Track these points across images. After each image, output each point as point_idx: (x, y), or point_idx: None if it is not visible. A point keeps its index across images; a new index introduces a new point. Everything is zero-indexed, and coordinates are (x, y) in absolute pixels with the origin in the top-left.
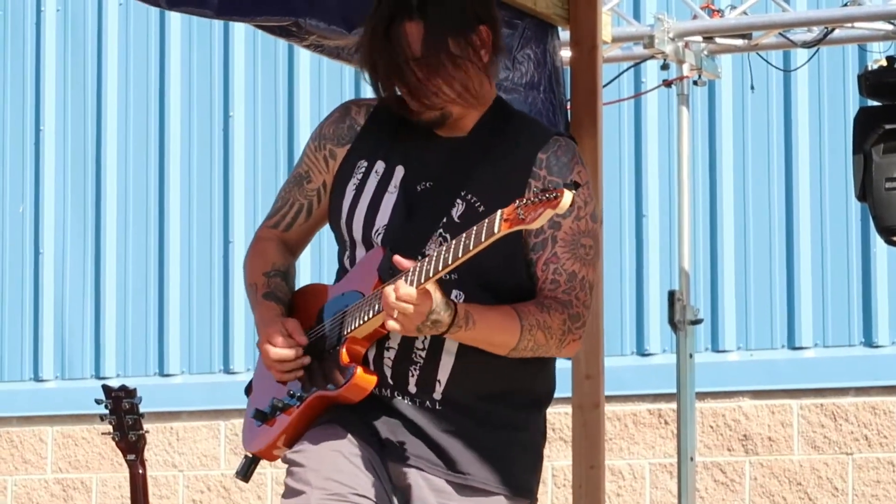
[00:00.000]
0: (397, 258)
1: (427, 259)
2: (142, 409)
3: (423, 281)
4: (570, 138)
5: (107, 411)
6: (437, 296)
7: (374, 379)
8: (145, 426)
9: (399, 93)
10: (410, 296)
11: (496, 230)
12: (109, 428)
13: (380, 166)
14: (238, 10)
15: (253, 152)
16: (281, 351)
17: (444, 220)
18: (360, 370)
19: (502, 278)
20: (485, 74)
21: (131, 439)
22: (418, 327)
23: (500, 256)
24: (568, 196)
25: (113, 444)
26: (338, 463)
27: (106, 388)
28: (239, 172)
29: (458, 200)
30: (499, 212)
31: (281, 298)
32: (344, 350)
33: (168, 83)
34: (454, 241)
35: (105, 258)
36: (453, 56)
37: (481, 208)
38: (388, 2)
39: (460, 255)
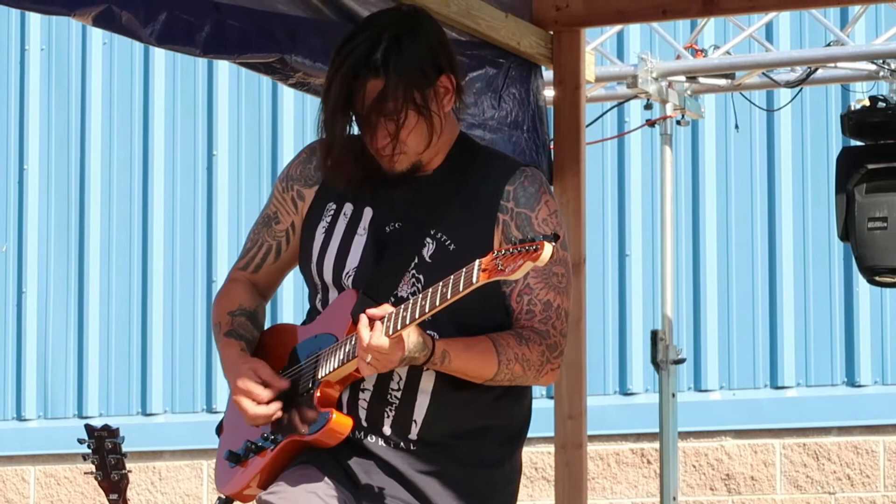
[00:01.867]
0: (371, 312)
1: (403, 306)
2: (125, 449)
3: (398, 328)
4: (538, 168)
5: (89, 451)
6: (414, 338)
7: (349, 423)
8: (128, 465)
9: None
10: (382, 346)
11: (474, 280)
12: (92, 467)
13: (348, 208)
14: (224, 47)
15: (236, 191)
16: (262, 409)
17: (416, 260)
18: (335, 415)
19: (479, 319)
20: (447, 121)
21: (114, 479)
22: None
23: (477, 298)
24: (548, 249)
25: (96, 483)
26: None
27: (88, 428)
28: (222, 211)
29: (428, 240)
30: (477, 262)
31: (244, 336)
32: (318, 394)
33: (152, 122)
34: (431, 290)
35: (88, 297)
36: (416, 108)
37: (452, 246)
38: (352, 59)
39: (437, 304)
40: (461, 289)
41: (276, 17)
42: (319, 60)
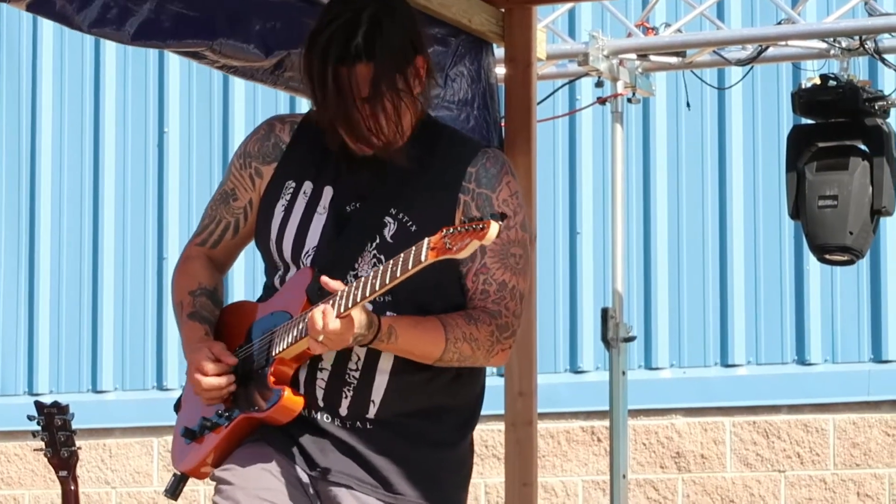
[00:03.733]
0: (325, 280)
1: (355, 284)
2: (75, 426)
3: (349, 306)
4: (500, 148)
5: (39, 428)
6: (360, 317)
7: (301, 401)
8: (78, 443)
9: (342, 134)
10: (334, 328)
11: (423, 258)
12: (42, 444)
13: (308, 187)
14: (156, 34)
15: (187, 169)
16: (211, 380)
17: (377, 240)
18: (287, 392)
19: (437, 300)
20: (417, 104)
21: (63, 456)
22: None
23: (434, 278)
24: (494, 227)
25: (45, 460)
26: (266, 481)
27: (38, 405)
28: (173, 189)
29: (389, 219)
30: (426, 240)
31: (206, 318)
32: (271, 371)
33: (102, 99)
34: (382, 267)
35: (39, 274)
36: (396, 91)
37: (413, 227)
38: (334, 44)
39: (387, 281)
40: (410, 267)
41: None
42: (256, 45)
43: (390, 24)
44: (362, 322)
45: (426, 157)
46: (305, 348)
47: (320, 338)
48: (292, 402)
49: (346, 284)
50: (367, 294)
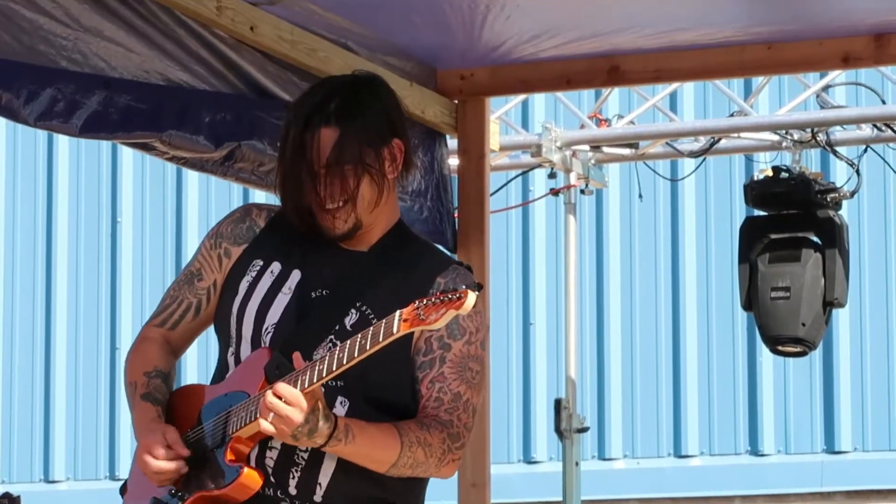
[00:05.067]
0: (296, 354)
1: (317, 360)
2: None
3: (312, 382)
4: (469, 270)
5: None
6: (317, 405)
7: (260, 478)
8: None
9: (298, 204)
10: (291, 395)
11: (395, 330)
12: None
13: (276, 267)
14: (105, 126)
15: (140, 258)
16: (161, 464)
17: (337, 327)
18: (246, 469)
19: (388, 395)
20: (392, 189)
21: None
22: (294, 434)
23: (389, 372)
24: (472, 297)
25: None
26: None
27: None
28: (126, 278)
29: (353, 310)
30: (398, 312)
31: (159, 399)
32: (229, 449)
33: (56, 189)
34: (350, 341)
35: None
36: (362, 165)
37: (374, 320)
38: (305, 109)
39: (356, 354)
40: (381, 339)
41: (168, 90)
42: (205, 137)
43: (368, 97)
44: (318, 410)
45: (396, 260)
46: (259, 429)
47: (270, 416)
48: (251, 479)
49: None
50: (335, 368)
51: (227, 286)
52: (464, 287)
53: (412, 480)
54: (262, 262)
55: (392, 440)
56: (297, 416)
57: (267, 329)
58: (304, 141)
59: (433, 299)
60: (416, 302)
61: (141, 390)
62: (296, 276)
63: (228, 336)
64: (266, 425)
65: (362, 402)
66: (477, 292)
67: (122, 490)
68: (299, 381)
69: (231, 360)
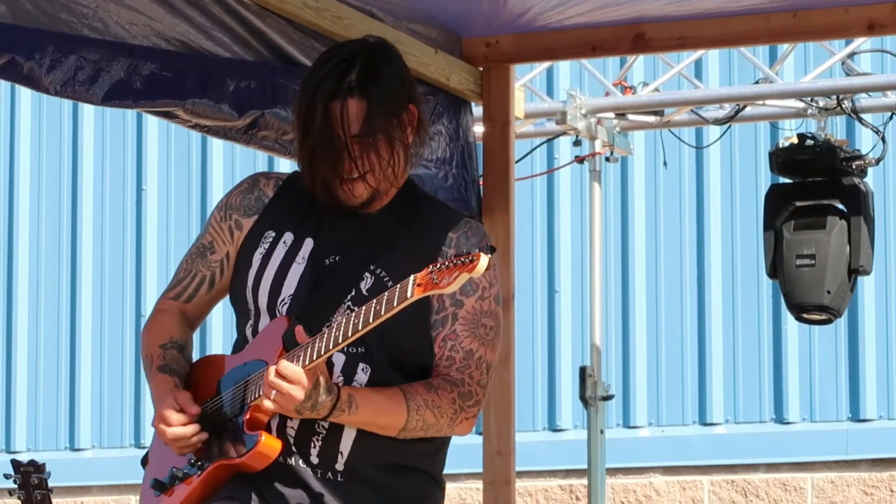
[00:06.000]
0: (299, 330)
1: (333, 327)
2: (52, 484)
3: (323, 352)
4: (480, 222)
5: (15, 486)
6: (323, 378)
7: (279, 445)
8: (55, 501)
9: (326, 177)
10: (292, 374)
11: (409, 295)
12: (18, 503)
13: (288, 237)
14: (127, 95)
15: (165, 226)
16: (176, 430)
17: (353, 292)
18: (265, 437)
19: (409, 357)
20: (409, 153)
21: None
22: (298, 409)
23: (408, 335)
24: (484, 259)
25: None
26: None
27: (15, 463)
28: (151, 246)
29: (367, 274)
30: (411, 276)
31: (176, 371)
32: (248, 417)
33: (81, 158)
34: (364, 307)
35: (16, 332)
36: (390, 135)
37: (389, 283)
38: (327, 82)
39: (371, 320)
40: (395, 304)
41: (191, 58)
42: (228, 104)
43: (386, 67)
44: (319, 385)
45: (409, 219)
46: None
47: (273, 393)
48: (269, 447)
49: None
50: (349, 335)
51: (241, 259)
52: (477, 250)
53: (433, 445)
54: (274, 233)
55: (398, 406)
56: (299, 393)
57: (283, 300)
58: (330, 113)
59: (447, 262)
60: (431, 266)
61: (157, 363)
62: (308, 244)
63: (246, 309)
64: (268, 403)
65: (384, 367)
66: (490, 255)
67: (144, 462)
68: (309, 353)
69: (249, 332)
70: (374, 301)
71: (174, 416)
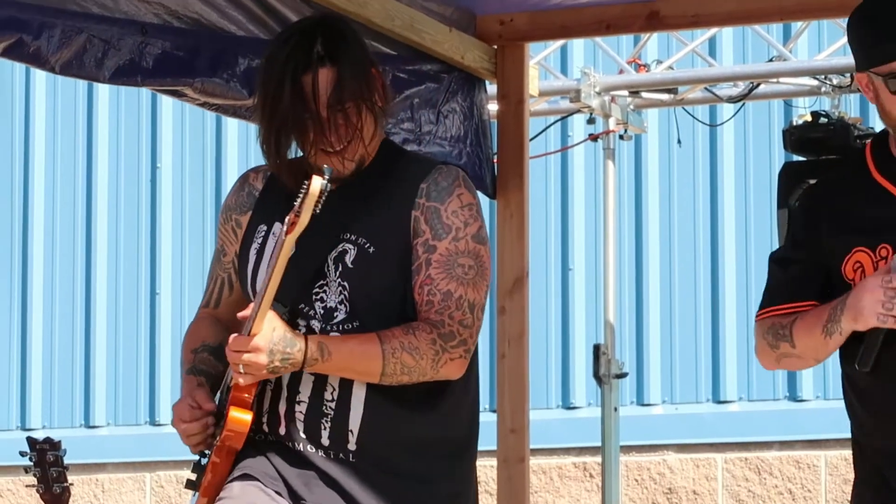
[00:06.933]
0: (239, 314)
1: (257, 293)
2: (67, 461)
3: (258, 313)
4: (460, 167)
5: (31, 463)
6: (278, 333)
7: (246, 419)
8: (70, 478)
9: (303, 153)
10: (244, 343)
11: (283, 238)
12: (34, 480)
13: (277, 228)
14: (136, 73)
15: (180, 204)
16: (185, 426)
17: (340, 267)
18: (231, 412)
19: (402, 319)
20: (378, 117)
21: (56, 492)
22: (270, 370)
23: (394, 295)
24: (316, 181)
25: (37, 496)
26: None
27: (31, 441)
28: (166, 224)
29: (349, 245)
30: (282, 227)
31: (204, 370)
32: (230, 399)
33: (96, 135)
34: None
35: (31, 310)
36: (364, 99)
37: (371, 249)
38: (294, 54)
39: (272, 274)
40: (277, 256)
41: (204, 36)
42: (238, 82)
43: (347, 34)
44: (283, 339)
45: (381, 180)
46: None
47: (240, 367)
48: (235, 420)
49: (304, 312)
50: (264, 298)
51: (241, 257)
52: (313, 174)
53: (446, 416)
54: (265, 227)
55: (373, 349)
56: (258, 358)
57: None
58: (300, 87)
59: (298, 200)
60: (293, 208)
61: (187, 366)
62: None
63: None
64: (242, 379)
65: (375, 326)
66: (325, 177)
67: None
68: (249, 321)
69: None
70: (271, 257)
71: (186, 413)
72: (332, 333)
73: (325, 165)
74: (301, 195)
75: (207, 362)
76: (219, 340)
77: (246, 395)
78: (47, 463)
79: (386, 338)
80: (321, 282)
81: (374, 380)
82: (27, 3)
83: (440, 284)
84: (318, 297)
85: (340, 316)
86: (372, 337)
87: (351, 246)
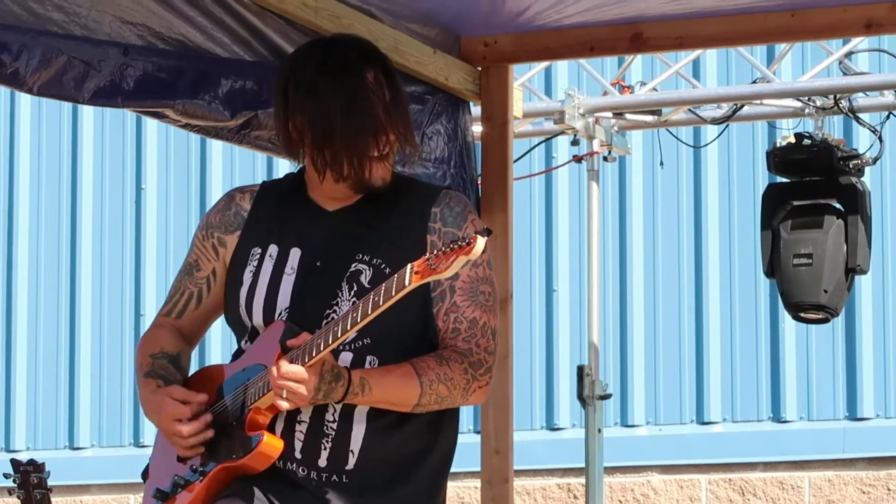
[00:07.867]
0: (296, 331)
1: (332, 323)
2: (51, 482)
3: (322, 348)
4: (458, 192)
5: (15, 485)
6: (327, 367)
7: (280, 445)
8: (54, 500)
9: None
10: (295, 373)
11: (407, 283)
12: (18, 502)
13: (273, 250)
14: (115, 95)
15: (165, 225)
16: (192, 426)
17: (355, 287)
18: (266, 436)
19: (414, 339)
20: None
21: None
22: (310, 402)
23: (412, 320)
24: (481, 241)
25: None
26: None
27: (14, 463)
28: (150, 245)
29: (363, 266)
30: (409, 265)
31: (162, 375)
32: (248, 420)
33: (80, 156)
34: (362, 300)
35: (16, 331)
36: (407, 101)
37: (387, 270)
38: (351, 54)
39: (370, 311)
40: (393, 293)
41: (187, 58)
42: (220, 104)
43: (372, 43)
44: (327, 374)
45: (385, 203)
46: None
47: (284, 392)
48: (271, 446)
49: (307, 333)
50: (349, 327)
51: (231, 279)
52: (474, 233)
53: (441, 435)
54: (259, 250)
55: (411, 382)
56: (304, 391)
57: (280, 314)
58: (366, 82)
59: (443, 248)
60: (428, 254)
61: (145, 370)
62: (295, 254)
63: (243, 328)
64: (283, 403)
65: (391, 355)
66: (486, 237)
67: (144, 475)
68: (309, 350)
69: (245, 347)
70: (373, 293)
71: (184, 409)
72: (342, 353)
73: (487, 227)
74: (449, 247)
75: (166, 369)
76: (178, 350)
77: (263, 419)
78: (31, 485)
79: (422, 370)
80: (333, 301)
81: (405, 410)
82: (8, 25)
83: (466, 312)
84: (330, 318)
85: (351, 335)
86: (409, 371)
87: (365, 266)
